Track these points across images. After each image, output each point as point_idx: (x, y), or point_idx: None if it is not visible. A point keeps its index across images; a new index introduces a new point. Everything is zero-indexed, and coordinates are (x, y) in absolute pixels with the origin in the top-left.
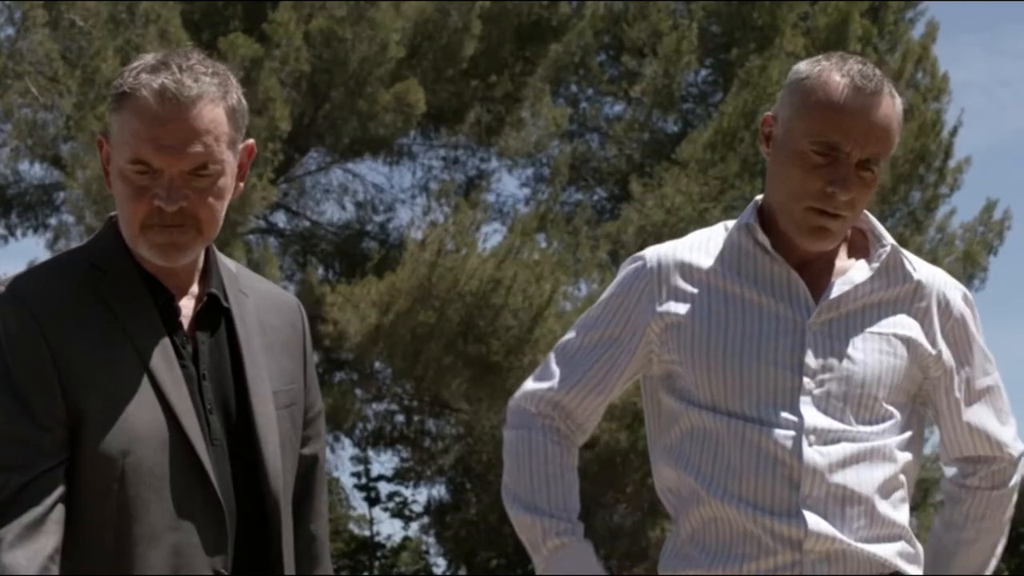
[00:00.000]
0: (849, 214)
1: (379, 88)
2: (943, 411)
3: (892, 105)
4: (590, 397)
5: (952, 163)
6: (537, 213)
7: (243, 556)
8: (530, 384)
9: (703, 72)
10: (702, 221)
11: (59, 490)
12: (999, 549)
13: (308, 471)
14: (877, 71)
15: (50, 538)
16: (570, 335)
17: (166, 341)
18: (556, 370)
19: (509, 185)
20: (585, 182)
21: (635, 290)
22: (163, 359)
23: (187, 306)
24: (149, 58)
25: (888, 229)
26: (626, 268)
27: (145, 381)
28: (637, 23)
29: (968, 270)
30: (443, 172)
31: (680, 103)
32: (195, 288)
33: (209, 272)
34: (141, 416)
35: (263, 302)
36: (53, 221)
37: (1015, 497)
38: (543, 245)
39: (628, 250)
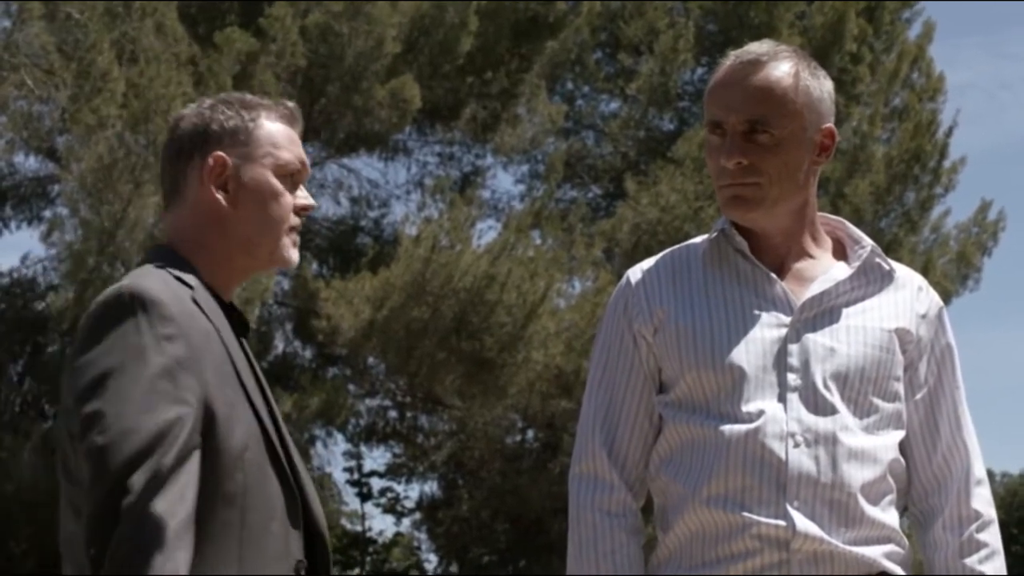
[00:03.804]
0: (759, 179)
1: (375, 84)
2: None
3: (782, 70)
4: (636, 434)
5: (947, 163)
6: (532, 210)
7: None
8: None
9: (699, 70)
10: (697, 219)
11: (197, 476)
12: None
13: None
14: (774, 47)
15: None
16: (587, 391)
17: (243, 354)
18: (596, 435)
19: (504, 182)
20: (580, 179)
21: (619, 306)
22: (247, 370)
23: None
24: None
25: (883, 229)
26: (613, 294)
27: (240, 388)
28: (634, 21)
29: (962, 271)
30: (438, 168)
31: (676, 101)
32: None
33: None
34: (246, 419)
35: None
36: (48, 214)
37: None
38: (538, 242)
39: (622, 248)
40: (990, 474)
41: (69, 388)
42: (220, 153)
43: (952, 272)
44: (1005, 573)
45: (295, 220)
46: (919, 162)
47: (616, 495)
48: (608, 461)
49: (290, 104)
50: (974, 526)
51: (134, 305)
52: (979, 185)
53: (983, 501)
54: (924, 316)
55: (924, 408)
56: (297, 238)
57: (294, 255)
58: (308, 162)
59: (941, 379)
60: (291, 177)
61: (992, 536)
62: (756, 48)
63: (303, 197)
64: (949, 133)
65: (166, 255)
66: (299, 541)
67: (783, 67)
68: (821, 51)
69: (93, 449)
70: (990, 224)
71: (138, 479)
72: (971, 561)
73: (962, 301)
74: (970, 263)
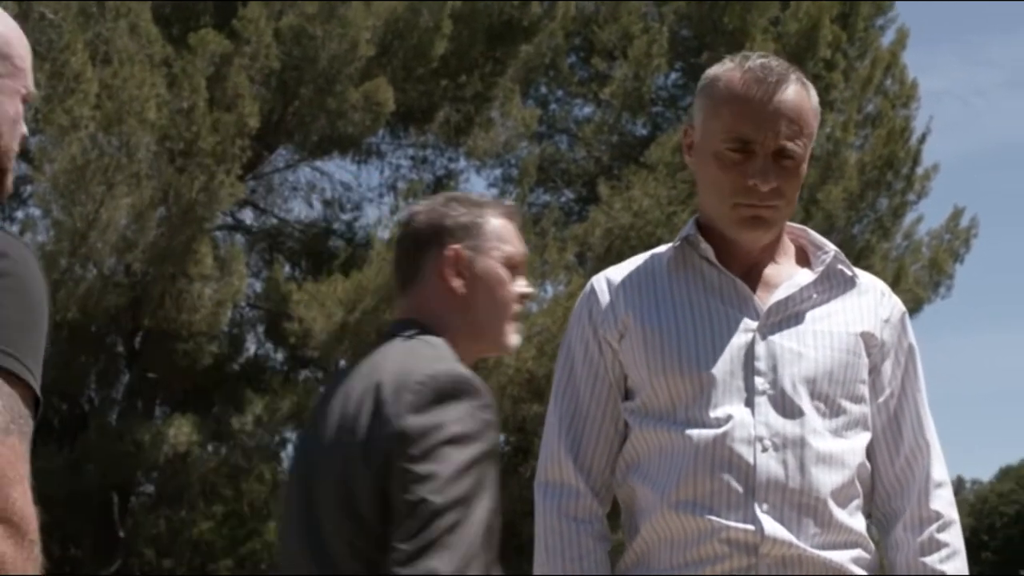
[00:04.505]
0: (780, 202)
1: (348, 86)
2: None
3: (800, 92)
4: (601, 442)
5: (920, 170)
6: None
7: None
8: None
9: (673, 75)
10: (669, 225)
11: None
12: None
13: None
14: (782, 62)
15: None
16: (552, 399)
17: None
18: (561, 440)
19: (477, 185)
20: (553, 184)
21: (584, 313)
22: None
23: None
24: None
25: (855, 235)
26: (577, 302)
27: None
28: (608, 25)
29: (934, 277)
30: (411, 171)
31: (650, 106)
32: None
33: None
34: None
35: None
36: (20, 215)
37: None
38: None
39: (595, 252)
40: (961, 481)
41: (395, 441)
42: (457, 245)
43: (924, 278)
44: (966, 573)
45: (517, 307)
46: (892, 169)
47: (582, 502)
48: (574, 468)
49: (509, 203)
50: (934, 526)
51: (468, 388)
52: (952, 192)
53: (944, 502)
54: (887, 320)
55: (887, 412)
56: (519, 324)
57: (516, 340)
58: (527, 253)
59: (904, 382)
60: (515, 268)
61: (953, 536)
62: (772, 64)
63: (523, 286)
64: (922, 140)
65: (419, 329)
66: None
67: (805, 91)
68: (795, 57)
69: (427, 510)
70: (962, 231)
71: (453, 548)
72: (931, 560)
73: (934, 307)
74: (942, 270)
